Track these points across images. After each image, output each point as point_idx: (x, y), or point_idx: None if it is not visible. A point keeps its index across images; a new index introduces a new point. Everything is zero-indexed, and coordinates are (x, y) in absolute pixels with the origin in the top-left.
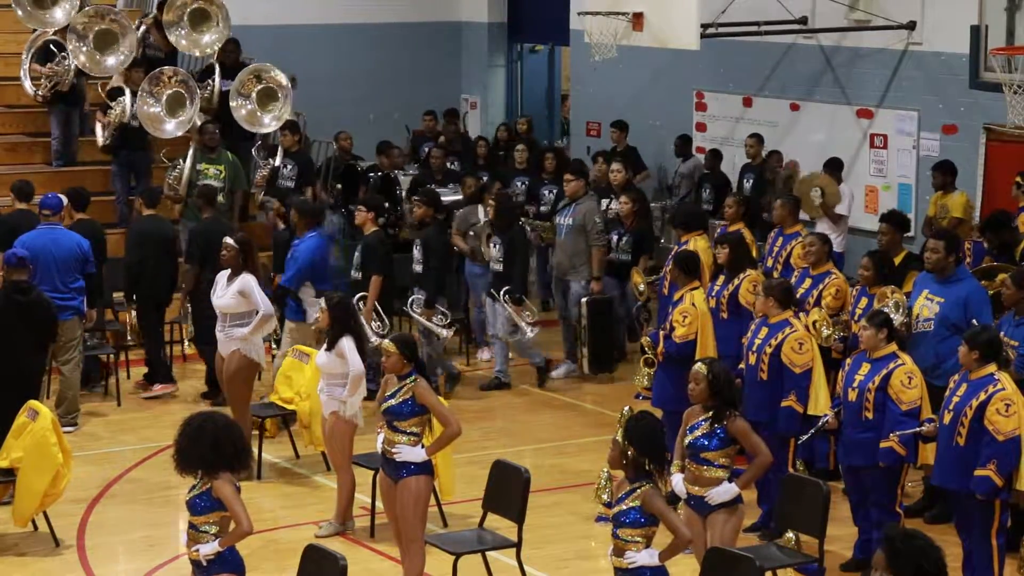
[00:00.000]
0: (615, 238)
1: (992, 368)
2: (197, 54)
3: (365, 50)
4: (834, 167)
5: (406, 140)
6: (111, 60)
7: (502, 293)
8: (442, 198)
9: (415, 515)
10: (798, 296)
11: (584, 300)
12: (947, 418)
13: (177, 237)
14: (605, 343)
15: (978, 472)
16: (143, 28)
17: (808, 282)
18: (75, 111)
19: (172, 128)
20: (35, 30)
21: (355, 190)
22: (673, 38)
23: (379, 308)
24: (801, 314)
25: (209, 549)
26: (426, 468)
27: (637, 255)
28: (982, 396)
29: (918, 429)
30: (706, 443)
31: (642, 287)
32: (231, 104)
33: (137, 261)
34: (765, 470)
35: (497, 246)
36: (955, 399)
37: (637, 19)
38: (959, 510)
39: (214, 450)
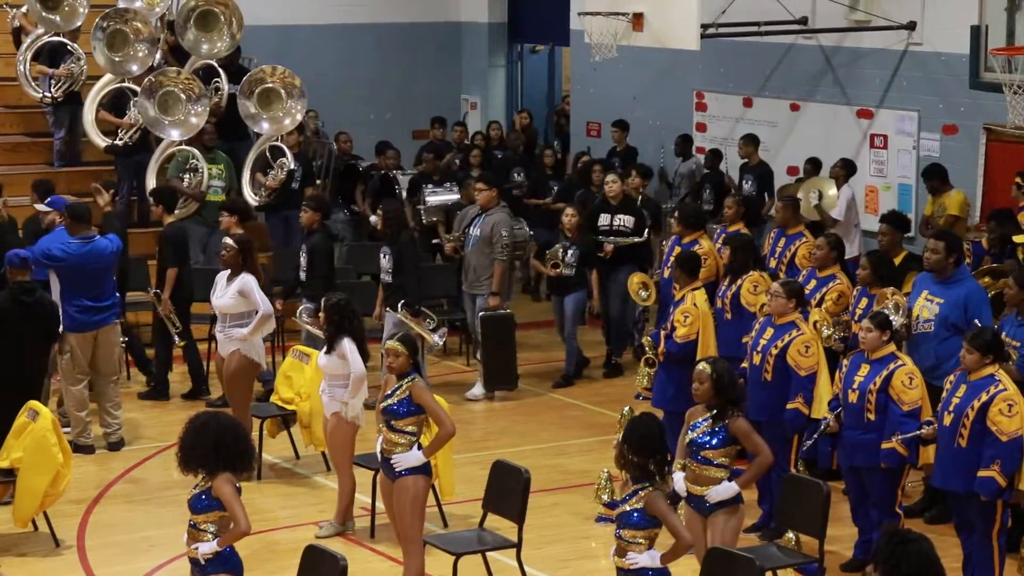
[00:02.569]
0: (560, 252)
1: (992, 369)
2: (205, 51)
3: (366, 50)
4: (846, 168)
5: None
6: (133, 66)
7: (399, 306)
8: (440, 199)
9: (412, 514)
10: None
11: (480, 315)
12: (947, 420)
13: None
14: (500, 360)
15: (981, 473)
16: (159, 54)
17: (813, 283)
18: (80, 111)
19: (178, 132)
20: (22, 31)
21: (353, 190)
22: (673, 38)
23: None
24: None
25: (208, 548)
26: (423, 468)
27: (582, 270)
28: (984, 397)
29: (918, 432)
30: (707, 442)
31: (643, 293)
32: (240, 105)
33: None
34: (766, 470)
35: (387, 256)
36: (955, 400)
37: (637, 19)
38: (959, 511)
39: (216, 449)
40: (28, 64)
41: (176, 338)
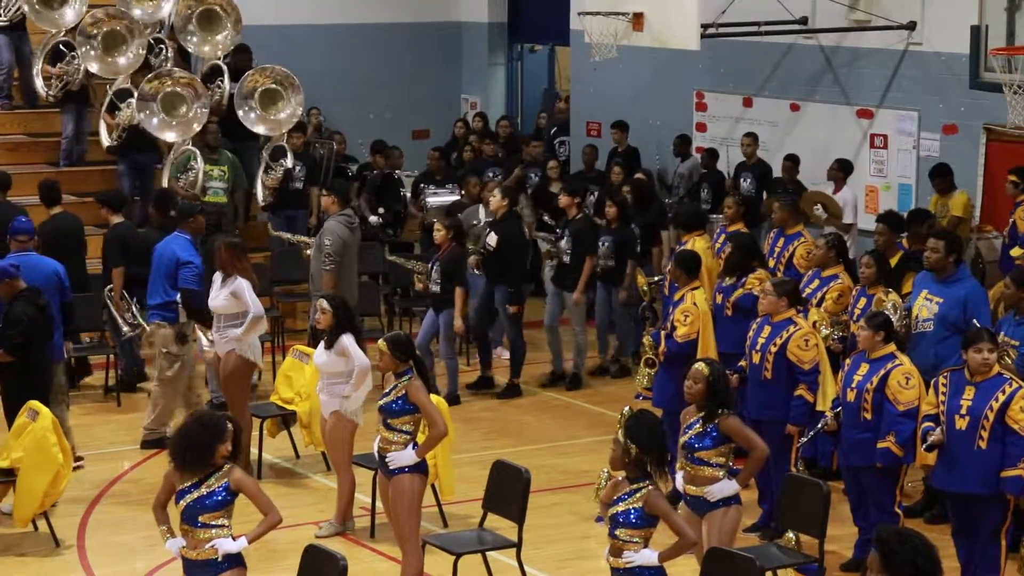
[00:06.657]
0: (428, 269)
1: (999, 368)
2: (204, 54)
3: (365, 50)
4: (843, 169)
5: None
6: (121, 61)
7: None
8: (440, 199)
9: (408, 513)
10: (804, 295)
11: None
12: (961, 424)
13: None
14: None
15: (1007, 472)
16: (171, 54)
17: (816, 283)
18: (86, 110)
19: (175, 133)
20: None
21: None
22: (673, 38)
23: (128, 297)
24: (801, 313)
25: (236, 545)
26: (419, 467)
27: (447, 286)
28: (1001, 397)
29: (931, 440)
30: (699, 443)
31: (645, 288)
32: (237, 107)
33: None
34: (762, 464)
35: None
36: (966, 403)
37: (637, 19)
38: (961, 514)
39: (199, 446)
40: (42, 64)
41: (125, 329)
